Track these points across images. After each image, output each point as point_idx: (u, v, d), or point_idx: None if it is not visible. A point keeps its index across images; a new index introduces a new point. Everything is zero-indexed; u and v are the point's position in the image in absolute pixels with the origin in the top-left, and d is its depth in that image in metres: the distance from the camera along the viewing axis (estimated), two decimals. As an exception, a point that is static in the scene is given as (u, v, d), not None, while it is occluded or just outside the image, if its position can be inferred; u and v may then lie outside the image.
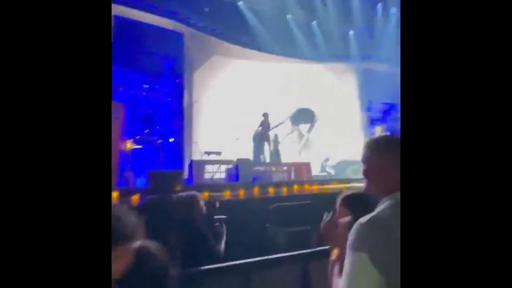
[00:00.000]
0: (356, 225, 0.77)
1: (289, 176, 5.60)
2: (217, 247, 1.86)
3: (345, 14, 8.84)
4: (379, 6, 8.85)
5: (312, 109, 9.39)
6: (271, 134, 6.47)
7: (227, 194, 3.16)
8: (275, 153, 6.43)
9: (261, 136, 6.33)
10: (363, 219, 0.77)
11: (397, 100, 9.94)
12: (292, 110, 9.06)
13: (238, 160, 4.85)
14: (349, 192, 1.30)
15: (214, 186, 3.48)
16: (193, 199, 1.89)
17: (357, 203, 1.21)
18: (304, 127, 9.30)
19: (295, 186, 3.63)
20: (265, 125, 6.38)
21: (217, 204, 2.12)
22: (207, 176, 5.04)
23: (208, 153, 5.51)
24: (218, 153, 5.59)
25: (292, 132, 8.23)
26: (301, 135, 9.16)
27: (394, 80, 10.15)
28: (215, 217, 1.95)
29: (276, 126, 6.54)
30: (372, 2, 8.79)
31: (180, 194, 1.94)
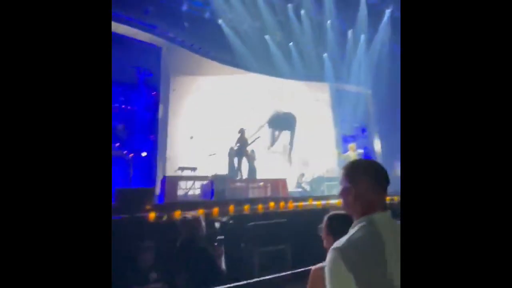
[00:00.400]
0: (330, 251, 0.79)
1: (265, 193, 5.57)
2: (220, 266, 2.05)
3: (320, 38, 9.37)
4: (350, 32, 9.50)
5: (292, 113, 9.47)
6: (248, 149, 6.45)
7: (200, 212, 3.04)
8: (252, 169, 6.40)
9: (238, 152, 6.29)
10: (336, 244, 0.79)
11: (367, 119, 10.55)
12: (271, 113, 9.08)
13: (213, 176, 4.75)
14: (333, 212, 1.35)
15: (187, 204, 3.34)
16: (197, 221, 2.10)
17: (339, 223, 1.24)
18: (285, 135, 9.39)
19: (271, 203, 3.60)
20: (242, 141, 6.36)
21: (217, 225, 2.25)
22: (180, 192, 4.86)
23: (182, 168, 5.34)
24: (193, 169, 5.43)
25: (272, 143, 7.94)
26: (284, 146, 9.23)
27: (364, 100, 10.81)
28: (217, 237, 2.13)
29: (253, 141, 6.54)
30: (343, 28, 9.42)
31: (185, 216, 2.20)
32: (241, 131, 6.41)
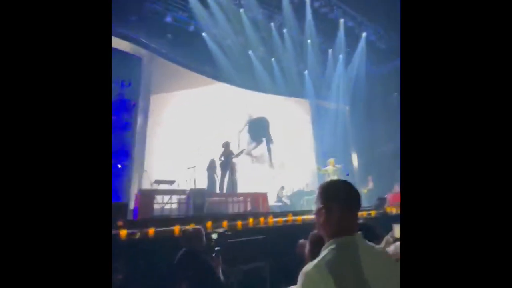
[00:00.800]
0: (300, 275, 0.77)
1: (245, 207, 5.48)
2: (219, 276, 2.13)
3: (301, 55, 9.74)
4: (329, 51, 9.97)
5: (265, 117, 9.59)
6: (232, 163, 6.29)
7: (176, 230, 2.89)
8: (233, 183, 6.26)
9: (222, 165, 6.17)
10: (305, 268, 0.78)
11: (344, 135, 10.93)
12: (246, 119, 9.09)
13: (192, 190, 4.60)
14: (316, 232, 1.33)
15: (161, 220, 3.17)
16: (199, 233, 2.17)
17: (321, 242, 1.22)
18: (262, 143, 9.43)
19: (250, 219, 3.52)
20: (226, 155, 6.25)
21: (214, 236, 2.31)
22: (156, 207, 4.64)
23: (159, 182, 5.12)
24: (171, 182, 5.23)
25: (252, 154, 7.67)
26: (261, 154, 9.24)
27: (343, 117, 11.23)
28: (215, 248, 2.22)
29: (238, 154, 6.43)
30: (323, 48, 9.88)
31: (187, 228, 2.26)
32: (226, 145, 6.31)
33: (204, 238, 2.23)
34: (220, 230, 3.12)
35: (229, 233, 3.03)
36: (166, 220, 3.28)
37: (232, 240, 2.68)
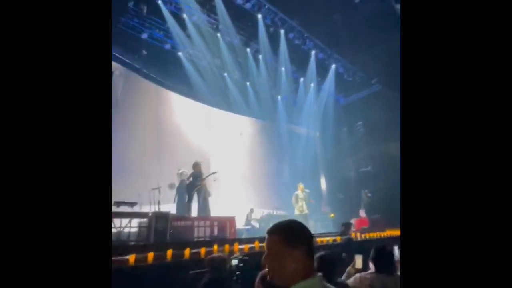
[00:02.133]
0: None
1: (212, 232, 5.24)
2: None
3: (275, 82, 10.13)
4: (302, 80, 10.51)
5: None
6: (203, 184, 6.01)
7: (132, 259, 2.63)
8: (203, 206, 5.97)
9: (189, 187, 5.88)
10: None
11: (314, 159, 11.28)
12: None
13: (154, 213, 4.31)
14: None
15: (115, 248, 2.87)
16: (225, 260, 2.16)
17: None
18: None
19: (215, 246, 3.35)
20: (195, 175, 5.99)
21: (235, 262, 2.16)
22: (113, 231, 4.24)
23: (119, 203, 4.73)
24: (132, 204, 4.86)
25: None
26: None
27: (313, 142, 11.65)
28: (237, 272, 2.05)
29: (208, 176, 6.19)
30: (296, 76, 10.42)
31: (213, 256, 2.25)
32: (196, 165, 6.06)
33: (228, 265, 2.23)
34: (239, 255, 3.02)
35: (247, 258, 2.93)
36: (119, 248, 2.98)
37: (192, 272, 2.49)
